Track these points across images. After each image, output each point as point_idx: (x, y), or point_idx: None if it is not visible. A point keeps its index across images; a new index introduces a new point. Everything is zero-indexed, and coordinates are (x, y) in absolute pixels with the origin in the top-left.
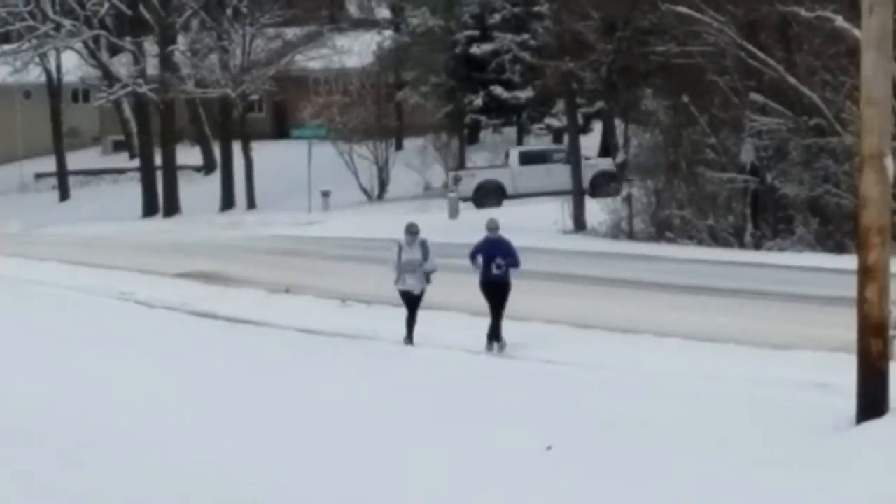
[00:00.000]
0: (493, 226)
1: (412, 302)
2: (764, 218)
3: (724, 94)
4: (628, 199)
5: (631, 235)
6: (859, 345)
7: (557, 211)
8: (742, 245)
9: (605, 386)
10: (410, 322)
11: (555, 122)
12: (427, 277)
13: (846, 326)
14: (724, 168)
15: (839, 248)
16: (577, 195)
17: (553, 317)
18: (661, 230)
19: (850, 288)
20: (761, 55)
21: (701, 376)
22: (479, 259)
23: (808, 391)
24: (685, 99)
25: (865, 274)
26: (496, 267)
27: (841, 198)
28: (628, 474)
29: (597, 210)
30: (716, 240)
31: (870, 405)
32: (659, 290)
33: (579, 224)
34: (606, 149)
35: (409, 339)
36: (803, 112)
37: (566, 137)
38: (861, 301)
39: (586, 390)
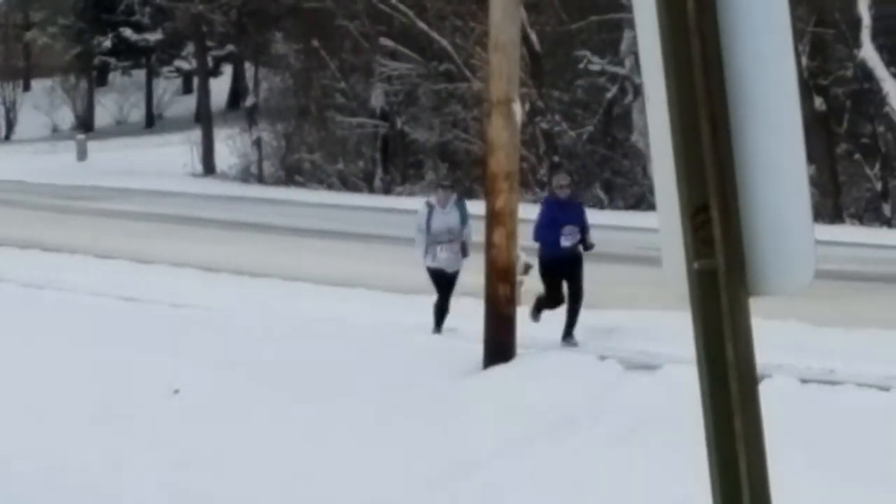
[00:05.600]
0: None
1: (445, 284)
2: (394, 163)
3: (355, 39)
4: (258, 143)
5: (261, 179)
6: (487, 290)
7: (187, 154)
8: (372, 190)
9: (226, 328)
10: (440, 309)
11: (185, 66)
12: (464, 250)
13: (475, 272)
14: (354, 113)
15: (468, 194)
16: (206, 138)
17: (180, 261)
18: (291, 174)
19: (478, 233)
20: (392, 0)
21: (329, 320)
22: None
23: (436, 336)
24: (315, 43)
25: (493, 219)
26: (565, 238)
27: (470, 143)
28: (247, 417)
29: (226, 154)
30: (345, 184)
31: (497, 350)
32: (288, 234)
33: (209, 167)
34: (236, 92)
35: (438, 328)
36: (433, 58)
37: (196, 80)
38: (489, 246)
39: (211, 332)
